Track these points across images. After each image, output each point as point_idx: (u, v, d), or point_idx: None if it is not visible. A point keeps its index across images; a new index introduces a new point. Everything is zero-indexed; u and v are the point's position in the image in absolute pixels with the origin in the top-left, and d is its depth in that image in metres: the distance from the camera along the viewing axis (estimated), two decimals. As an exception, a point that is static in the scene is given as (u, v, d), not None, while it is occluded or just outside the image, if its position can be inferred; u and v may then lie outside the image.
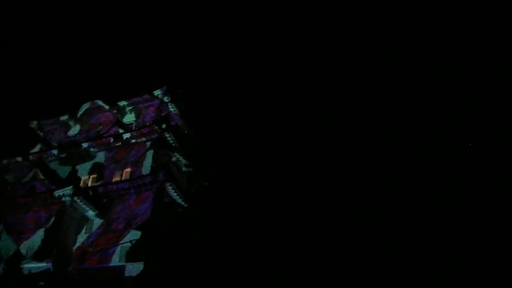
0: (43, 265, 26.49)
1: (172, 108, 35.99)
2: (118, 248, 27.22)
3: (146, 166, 31.27)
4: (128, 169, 32.09)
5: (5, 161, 36.15)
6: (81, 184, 33.00)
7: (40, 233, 27.96)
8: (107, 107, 36.67)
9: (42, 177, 30.22)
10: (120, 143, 32.94)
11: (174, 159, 33.90)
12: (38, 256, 26.84)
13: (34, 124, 38.87)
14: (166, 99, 35.76)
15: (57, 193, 27.77)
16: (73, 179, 33.28)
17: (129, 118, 36.33)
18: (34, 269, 26.49)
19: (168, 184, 28.43)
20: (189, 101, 37.81)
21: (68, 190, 27.54)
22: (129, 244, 26.92)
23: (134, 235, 27.20)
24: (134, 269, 25.51)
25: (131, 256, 26.31)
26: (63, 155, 34.88)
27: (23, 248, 27.76)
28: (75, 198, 28.06)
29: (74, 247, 28.25)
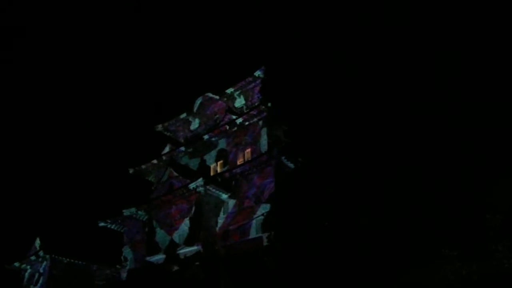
0: (194, 248, 33.10)
1: (274, 84, 40.52)
2: (254, 222, 32.85)
3: (263, 143, 36.24)
4: (248, 150, 37.40)
5: (143, 166, 43.67)
6: (211, 171, 39.31)
7: (186, 222, 34.49)
8: (217, 97, 42.24)
9: (176, 174, 36.54)
10: (235, 128, 38.16)
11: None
12: (188, 241, 33.57)
13: (159, 127, 45.77)
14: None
15: (192, 186, 33.81)
16: (203, 169, 39.67)
17: (239, 102, 41.53)
18: (188, 252, 33.26)
19: (283, 157, 33.15)
20: (288, 74, 42.03)
21: (200, 181, 33.42)
22: (262, 217, 32.37)
23: (264, 208, 32.55)
24: (270, 238, 30.83)
25: (265, 227, 31.72)
26: (190, 150, 41.28)
27: (175, 237, 34.55)
28: (208, 187, 33.92)
29: (217, 228, 34.46)
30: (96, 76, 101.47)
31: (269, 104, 36.04)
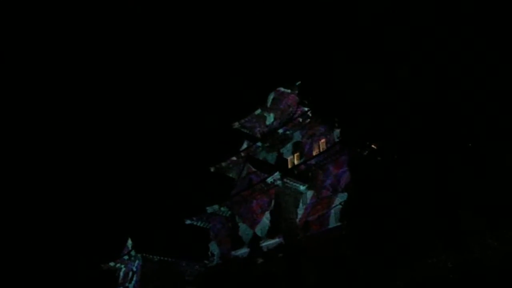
0: (276, 240, 34.45)
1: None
2: (332, 211, 33.84)
3: (336, 133, 37.15)
4: (323, 140, 38.43)
5: (223, 164, 45.65)
6: (289, 164, 40.64)
7: (267, 215, 35.92)
8: (288, 90, 43.44)
9: (254, 169, 38.10)
10: (309, 120, 39.20)
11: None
12: (270, 234, 34.99)
13: (236, 124, 47.59)
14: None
15: (269, 180, 35.20)
16: (281, 162, 41.07)
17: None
18: (271, 245, 34.68)
19: (356, 145, 33.89)
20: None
21: (276, 175, 34.76)
22: (339, 206, 33.30)
23: (341, 197, 33.46)
24: (349, 226, 31.77)
25: (344, 216, 32.63)
26: (267, 144, 42.77)
27: (257, 231, 36.11)
28: (285, 180, 35.22)
29: (297, 220, 35.72)
30: (175, 81, 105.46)
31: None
